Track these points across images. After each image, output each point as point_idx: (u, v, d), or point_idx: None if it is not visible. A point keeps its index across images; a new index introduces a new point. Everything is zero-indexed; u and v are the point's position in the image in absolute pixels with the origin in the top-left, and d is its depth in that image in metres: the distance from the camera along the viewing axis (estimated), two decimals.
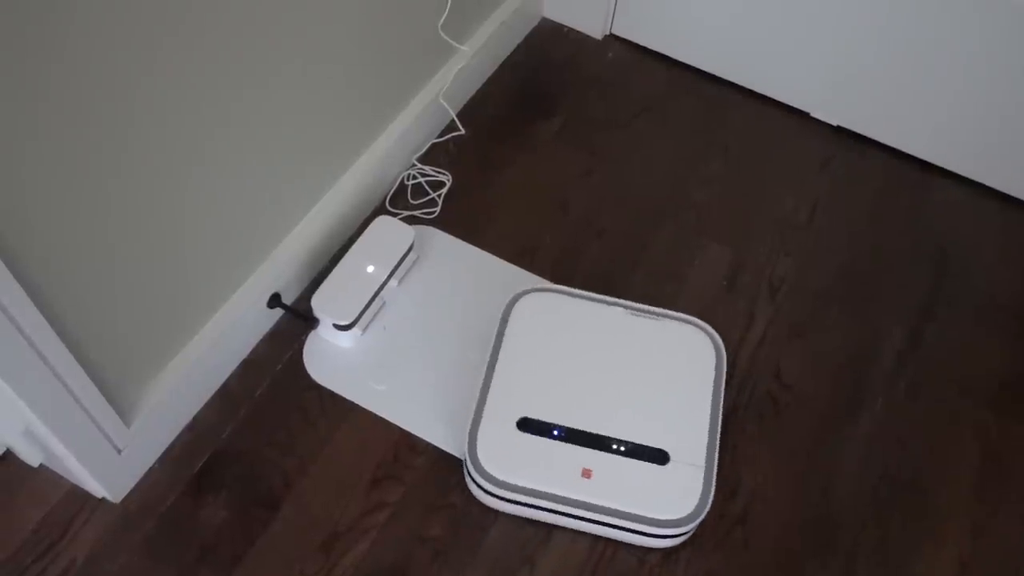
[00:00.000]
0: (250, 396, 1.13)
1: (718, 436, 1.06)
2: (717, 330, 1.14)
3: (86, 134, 0.78)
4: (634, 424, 1.05)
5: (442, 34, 1.29)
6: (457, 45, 1.35)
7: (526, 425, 1.04)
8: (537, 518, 1.05)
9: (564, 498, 1.00)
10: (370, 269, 1.17)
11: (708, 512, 1.01)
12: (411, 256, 1.23)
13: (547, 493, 1.01)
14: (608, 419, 1.05)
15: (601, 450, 1.03)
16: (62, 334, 0.84)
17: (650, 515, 1.00)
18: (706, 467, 1.03)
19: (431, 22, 1.26)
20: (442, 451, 1.10)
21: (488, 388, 1.06)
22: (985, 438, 1.17)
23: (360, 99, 1.19)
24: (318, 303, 1.14)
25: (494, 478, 1.01)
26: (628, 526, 1.01)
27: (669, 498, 1.01)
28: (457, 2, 1.28)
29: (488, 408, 1.05)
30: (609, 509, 1.00)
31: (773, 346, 1.23)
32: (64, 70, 0.73)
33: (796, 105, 1.50)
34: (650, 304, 1.16)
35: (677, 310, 1.16)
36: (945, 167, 1.44)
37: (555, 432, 1.04)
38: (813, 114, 1.49)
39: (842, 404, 1.18)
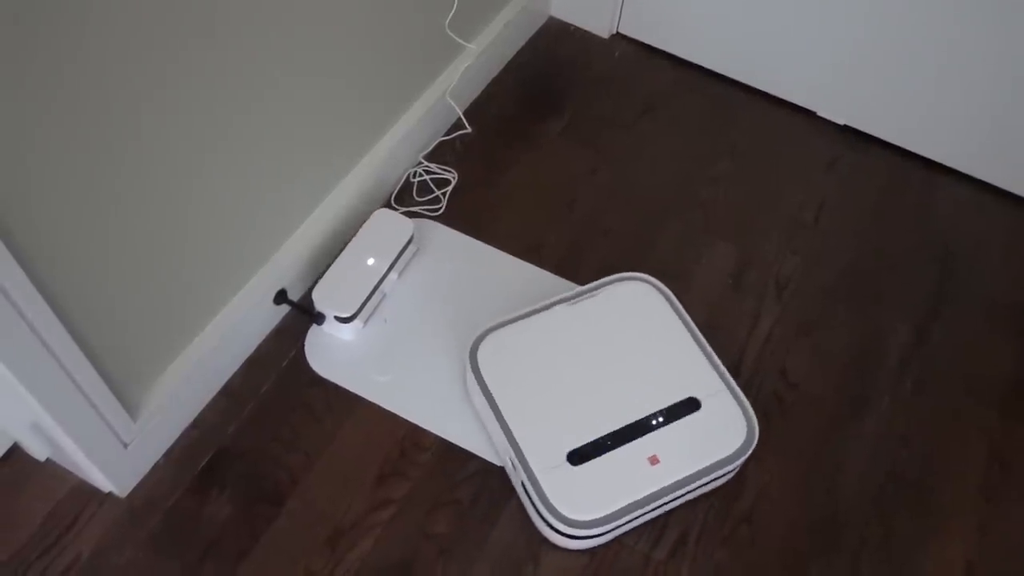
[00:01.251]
0: (255, 392, 1.13)
1: (715, 356, 1.10)
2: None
3: (95, 135, 0.78)
4: (651, 394, 1.06)
5: (449, 32, 1.29)
6: (464, 43, 1.35)
7: (577, 457, 1.01)
8: (629, 530, 1.04)
9: (650, 495, 1.00)
10: (370, 262, 1.17)
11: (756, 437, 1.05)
12: (411, 248, 1.23)
13: (635, 502, 0.99)
14: (628, 404, 1.05)
15: (645, 433, 1.03)
16: (71, 329, 0.84)
17: (722, 456, 1.03)
18: (728, 388, 1.07)
19: (438, 20, 1.26)
20: (447, 447, 1.10)
21: (517, 442, 1.03)
22: (990, 437, 1.16)
23: (366, 97, 1.19)
24: (319, 296, 1.14)
25: (586, 522, 0.98)
26: (707, 480, 1.03)
27: (725, 432, 1.04)
28: (464, 0, 1.29)
29: (533, 461, 1.01)
30: (689, 477, 1.01)
31: (779, 345, 1.23)
32: (76, 74, 0.73)
33: (802, 104, 1.50)
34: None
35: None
36: (950, 166, 1.43)
37: (602, 445, 1.02)
38: (819, 113, 1.49)
39: (848, 403, 1.18)
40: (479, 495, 1.07)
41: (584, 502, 0.99)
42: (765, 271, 1.30)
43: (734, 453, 1.03)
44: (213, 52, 0.87)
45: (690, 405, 1.06)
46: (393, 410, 1.12)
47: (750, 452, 1.04)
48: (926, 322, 1.26)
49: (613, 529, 1.00)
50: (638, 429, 1.04)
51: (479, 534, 1.05)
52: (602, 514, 0.99)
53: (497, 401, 1.05)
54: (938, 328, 1.26)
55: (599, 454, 1.02)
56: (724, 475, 1.05)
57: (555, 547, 1.04)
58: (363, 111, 1.20)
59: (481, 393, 1.06)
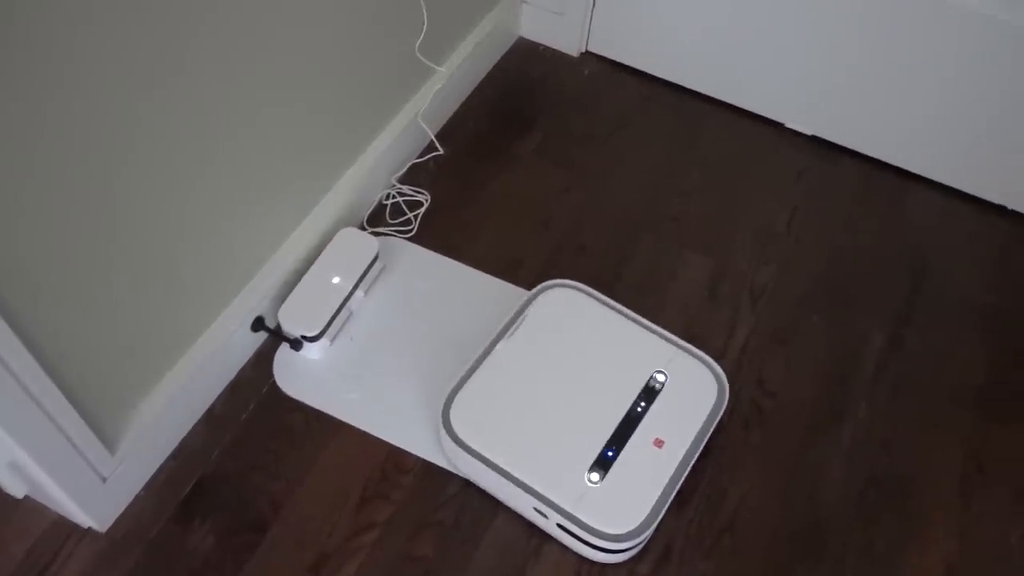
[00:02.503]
0: (236, 419, 1.13)
1: (656, 327, 1.14)
2: (699, 340, 1.15)
3: (66, 165, 0.78)
4: (622, 386, 1.08)
5: (419, 56, 1.30)
6: (435, 66, 1.36)
7: (595, 475, 1.02)
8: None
9: (675, 473, 1.03)
10: (335, 280, 1.17)
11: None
12: (377, 266, 1.23)
13: (666, 485, 1.02)
14: (609, 405, 1.07)
15: (638, 423, 1.05)
16: (44, 364, 0.84)
17: (710, 409, 1.08)
18: (682, 349, 1.12)
19: (408, 44, 1.27)
20: (428, 468, 1.10)
21: (536, 490, 1.01)
22: (967, 440, 1.18)
23: (338, 123, 1.20)
24: (285, 315, 1.14)
25: (638, 527, 0.99)
26: (707, 435, 1.07)
27: (700, 388, 1.09)
28: (434, 24, 1.30)
29: (560, 499, 1.00)
30: (695, 441, 1.05)
31: (756, 354, 1.24)
32: (48, 107, 0.73)
33: (770, 116, 1.52)
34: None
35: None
36: (919, 173, 1.46)
37: (609, 453, 1.03)
38: (788, 124, 1.52)
39: (826, 410, 1.19)
40: (461, 516, 1.07)
41: (625, 512, 1.00)
42: (739, 281, 1.31)
43: (716, 402, 1.09)
44: (183, 85, 0.87)
45: (659, 379, 1.09)
46: (364, 428, 1.12)
47: (728, 396, 1.10)
48: (900, 328, 1.28)
49: (657, 522, 1.01)
50: (630, 423, 1.05)
51: (463, 555, 1.05)
52: (647, 512, 1.00)
53: (495, 462, 1.02)
54: (912, 334, 1.28)
55: (612, 462, 1.02)
56: (716, 427, 1.10)
57: (539, 564, 1.04)
58: (335, 137, 1.21)
59: (477, 461, 1.03)
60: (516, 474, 1.01)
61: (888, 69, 1.35)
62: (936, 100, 1.35)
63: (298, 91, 1.07)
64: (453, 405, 1.07)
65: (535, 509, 1.02)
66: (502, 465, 1.02)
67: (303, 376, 1.17)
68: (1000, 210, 1.43)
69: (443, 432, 1.05)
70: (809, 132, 1.51)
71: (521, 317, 1.14)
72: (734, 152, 1.49)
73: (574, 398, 1.07)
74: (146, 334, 0.99)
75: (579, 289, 1.18)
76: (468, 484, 1.09)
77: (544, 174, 1.43)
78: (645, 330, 1.14)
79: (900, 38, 1.31)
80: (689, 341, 1.15)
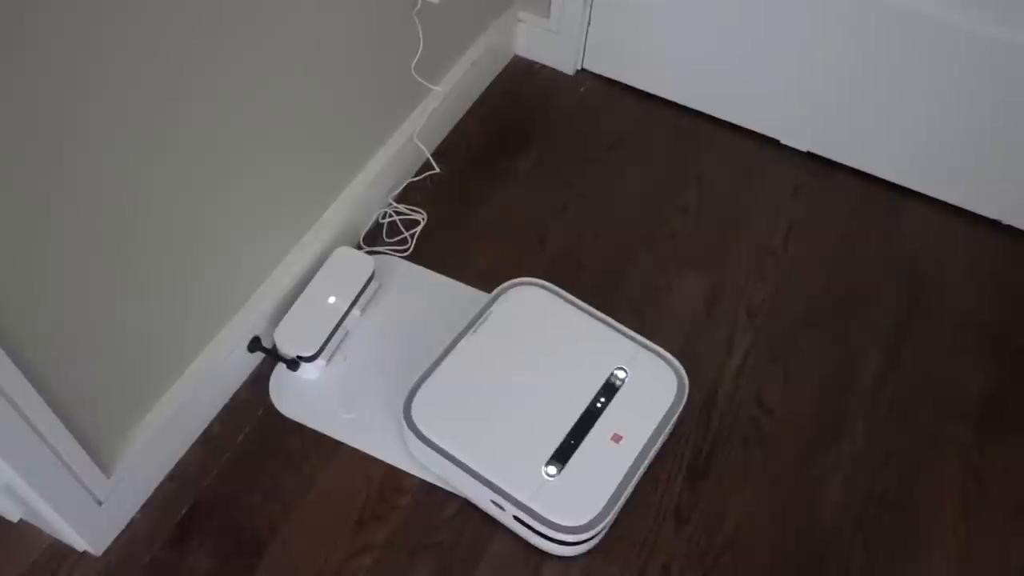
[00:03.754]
0: (232, 441, 1.12)
1: (619, 325, 1.15)
2: (697, 357, 1.14)
3: (61, 188, 0.78)
4: (583, 382, 1.10)
5: (415, 75, 1.31)
6: (431, 86, 1.37)
7: (552, 469, 1.03)
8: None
9: (631, 467, 1.04)
10: (331, 300, 1.17)
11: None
12: (373, 285, 1.23)
13: (622, 479, 1.03)
14: (569, 400, 1.08)
15: (597, 418, 1.06)
16: (38, 385, 0.83)
17: (668, 405, 1.09)
18: (643, 346, 1.13)
19: (404, 64, 1.28)
20: (426, 488, 1.10)
21: (492, 482, 1.02)
22: (967, 457, 1.18)
23: (335, 143, 1.20)
24: (281, 336, 1.14)
25: (593, 519, 1.00)
26: (666, 431, 1.09)
27: (659, 385, 1.11)
28: (430, 44, 1.30)
29: (517, 492, 1.01)
30: (652, 436, 1.06)
31: (754, 372, 1.24)
32: (42, 134, 0.73)
33: (766, 132, 1.53)
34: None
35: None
36: (915, 188, 1.46)
37: (568, 448, 1.04)
38: (783, 141, 1.52)
39: (825, 427, 1.19)
40: (459, 536, 1.07)
41: (581, 504, 1.01)
42: (736, 298, 1.31)
43: (676, 399, 1.10)
44: (180, 106, 0.87)
45: (620, 376, 1.10)
46: (361, 448, 1.12)
47: (687, 393, 1.11)
48: (897, 344, 1.28)
49: (613, 516, 1.03)
50: (590, 418, 1.07)
51: None
52: (602, 505, 1.01)
53: (454, 454, 1.04)
54: (909, 350, 1.28)
55: (570, 456, 1.04)
56: (675, 424, 1.11)
57: None
58: (331, 157, 1.21)
59: (435, 452, 1.04)
60: (474, 467, 1.03)
61: (883, 85, 1.36)
62: (931, 116, 1.36)
63: (295, 112, 1.07)
64: (415, 399, 1.08)
65: (492, 502, 1.03)
66: (460, 458, 1.03)
67: (300, 396, 1.16)
68: (996, 225, 1.43)
69: (404, 426, 1.06)
70: (805, 148, 1.51)
71: (485, 314, 1.15)
72: (730, 169, 1.49)
73: (535, 393, 1.09)
74: (142, 355, 0.99)
75: (543, 287, 1.19)
76: (467, 504, 1.09)
77: (540, 192, 1.43)
78: (608, 327, 1.16)
79: (895, 55, 1.32)
80: (687, 358, 1.15)
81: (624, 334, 1.15)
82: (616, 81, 1.60)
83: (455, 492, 1.09)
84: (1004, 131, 1.32)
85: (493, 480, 1.02)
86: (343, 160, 1.24)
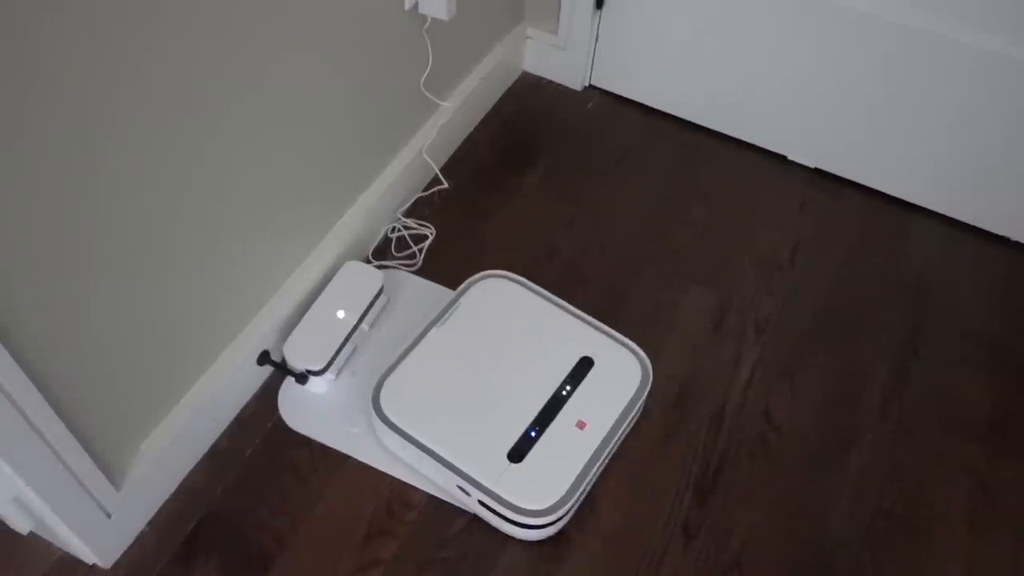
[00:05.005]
0: (241, 455, 1.13)
1: (584, 315, 1.18)
2: (704, 373, 1.15)
3: (72, 203, 0.79)
4: (549, 370, 1.12)
5: (424, 91, 1.32)
6: (439, 102, 1.38)
7: (516, 454, 1.05)
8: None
9: (594, 453, 1.06)
10: (340, 314, 1.18)
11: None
12: (381, 300, 1.24)
13: (585, 465, 1.05)
14: (535, 388, 1.11)
15: (562, 406, 1.09)
16: (52, 400, 0.84)
17: (632, 394, 1.11)
18: (608, 336, 1.16)
19: (413, 80, 1.29)
20: (434, 502, 1.10)
21: (457, 467, 1.05)
22: (975, 471, 1.17)
23: (344, 158, 1.21)
24: (290, 350, 1.15)
25: (556, 503, 1.03)
26: (629, 419, 1.11)
27: (624, 373, 1.13)
28: (439, 60, 1.31)
29: (481, 476, 1.04)
30: (615, 424, 1.08)
31: (761, 387, 1.24)
32: (55, 150, 0.74)
33: (773, 148, 1.53)
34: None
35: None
36: (922, 205, 1.46)
37: (532, 434, 1.07)
38: (790, 157, 1.53)
39: (833, 442, 1.19)
40: (466, 552, 1.07)
41: (544, 488, 1.03)
42: (743, 313, 1.32)
43: (640, 387, 1.12)
44: (193, 121, 0.88)
45: (586, 364, 1.13)
46: (369, 462, 1.12)
47: (651, 381, 1.13)
48: (905, 359, 1.28)
49: (576, 499, 1.05)
50: (555, 405, 1.09)
51: None
52: (564, 490, 1.03)
53: (419, 439, 1.06)
54: (917, 365, 1.27)
55: (534, 442, 1.06)
56: (639, 410, 1.13)
57: None
58: (341, 172, 1.22)
59: (403, 439, 1.07)
60: (440, 452, 1.05)
61: (890, 102, 1.36)
62: (938, 132, 1.36)
63: (305, 127, 1.08)
64: (383, 388, 1.10)
65: (458, 487, 1.05)
66: (427, 444, 1.06)
67: (308, 410, 1.17)
68: (1003, 241, 1.43)
69: (373, 413, 1.09)
70: (811, 164, 1.52)
71: (454, 305, 1.18)
72: (737, 185, 1.49)
73: (502, 382, 1.11)
74: (153, 369, 0.99)
75: (511, 279, 1.22)
76: (474, 519, 1.09)
77: (548, 207, 1.43)
78: (574, 318, 1.18)
79: (903, 71, 1.32)
80: (693, 373, 1.15)
81: (590, 324, 1.18)
82: (623, 97, 1.61)
83: (425, 478, 1.11)
84: (1012, 148, 1.32)
85: (458, 465, 1.04)
86: (352, 175, 1.25)
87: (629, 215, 1.43)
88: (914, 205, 1.47)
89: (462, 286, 1.21)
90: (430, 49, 1.28)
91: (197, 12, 0.83)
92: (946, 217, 1.46)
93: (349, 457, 1.13)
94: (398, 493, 1.10)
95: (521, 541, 1.06)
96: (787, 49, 1.39)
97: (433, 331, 1.15)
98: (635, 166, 1.51)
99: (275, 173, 1.06)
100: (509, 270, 1.33)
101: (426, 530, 1.08)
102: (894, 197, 1.48)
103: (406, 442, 1.06)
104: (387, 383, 1.11)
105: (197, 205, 0.95)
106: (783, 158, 1.53)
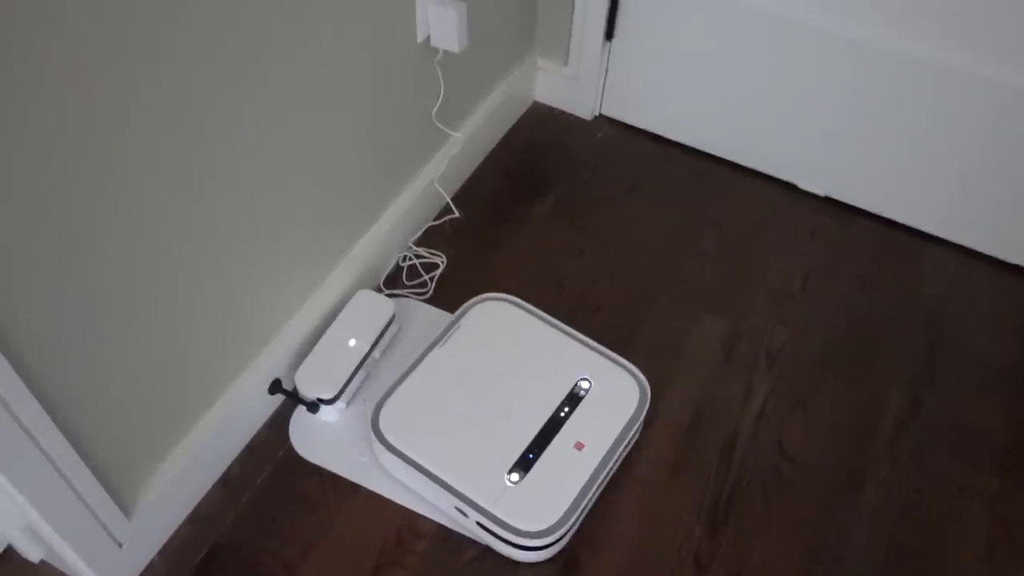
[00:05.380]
0: (252, 484, 1.13)
1: (583, 337, 1.19)
2: (716, 403, 1.14)
3: (87, 230, 0.80)
4: (548, 392, 1.13)
5: (436, 122, 1.33)
6: (451, 132, 1.39)
7: (515, 476, 1.05)
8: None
9: (592, 474, 1.06)
10: (352, 343, 1.18)
11: None
12: (392, 328, 1.24)
13: (584, 486, 1.05)
14: (534, 410, 1.11)
15: (560, 427, 1.10)
16: (63, 428, 0.85)
17: (630, 415, 1.12)
18: (608, 358, 1.16)
19: (425, 110, 1.30)
20: (444, 532, 1.09)
21: (456, 489, 1.05)
22: (991, 503, 1.16)
23: (357, 188, 1.22)
24: (302, 378, 1.15)
25: (553, 525, 1.02)
26: (627, 440, 1.11)
27: (622, 395, 1.13)
28: (450, 91, 1.33)
29: (479, 498, 1.04)
30: (613, 445, 1.09)
31: (774, 417, 1.23)
32: (70, 169, 0.75)
33: (783, 177, 1.54)
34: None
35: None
36: (934, 233, 1.46)
37: (531, 455, 1.07)
38: (801, 185, 1.53)
39: (846, 474, 1.18)
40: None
41: (542, 510, 1.03)
42: (755, 343, 1.31)
43: (637, 409, 1.13)
44: (204, 148, 0.90)
45: (584, 387, 1.13)
46: (380, 492, 1.12)
47: (648, 402, 1.14)
48: (919, 389, 1.27)
49: (575, 521, 1.05)
50: (553, 426, 1.10)
51: None
52: (563, 511, 1.03)
53: (418, 461, 1.07)
54: (931, 395, 1.26)
55: (533, 463, 1.07)
56: (637, 431, 1.14)
57: None
58: (353, 202, 1.23)
59: (401, 461, 1.07)
60: (438, 474, 1.05)
61: (901, 130, 1.37)
62: (950, 161, 1.36)
63: (318, 156, 1.09)
64: (382, 410, 1.11)
65: (456, 508, 1.05)
66: (425, 465, 1.06)
67: (319, 439, 1.17)
68: (1018, 270, 1.42)
69: (372, 435, 1.09)
70: (822, 193, 1.52)
71: (454, 327, 1.18)
72: (748, 213, 1.50)
73: (500, 404, 1.12)
74: (165, 398, 1.00)
75: (511, 302, 1.22)
76: (485, 550, 1.08)
77: (558, 236, 1.44)
78: (573, 340, 1.19)
79: (913, 100, 1.33)
80: (705, 403, 1.15)
81: (589, 346, 1.18)
82: (633, 126, 1.62)
83: (435, 508, 1.11)
84: None
85: (456, 487, 1.05)
86: (364, 204, 1.26)
87: (640, 244, 1.44)
88: (927, 234, 1.47)
89: (461, 308, 1.22)
90: (442, 80, 1.29)
91: (213, 40, 0.84)
92: (959, 246, 1.45)
93: (359, 486, 1.13)
94: (408, 523, 1.10)
95: (533, 572, 1.05)
96: (797, 78, 1.40)
97: (433, 353, 1.16)
98: (645, 195, 1.51)
99: (288, 201, 1.07)
100: (522, 298, 1.33)
101: (436, 560, 1.07)
102: (906, 225, 1.47)
103: (405, 464, 1.07)
104: (386, 405, 1.12)
105: (209, 232, 0.96)
106: (793, 187, 1.53)
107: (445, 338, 1.18)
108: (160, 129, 0.82)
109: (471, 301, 1.22)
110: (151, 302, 0.91)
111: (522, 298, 1.33)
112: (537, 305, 1.33)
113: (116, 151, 0.79)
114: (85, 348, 0.85)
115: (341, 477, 1.13)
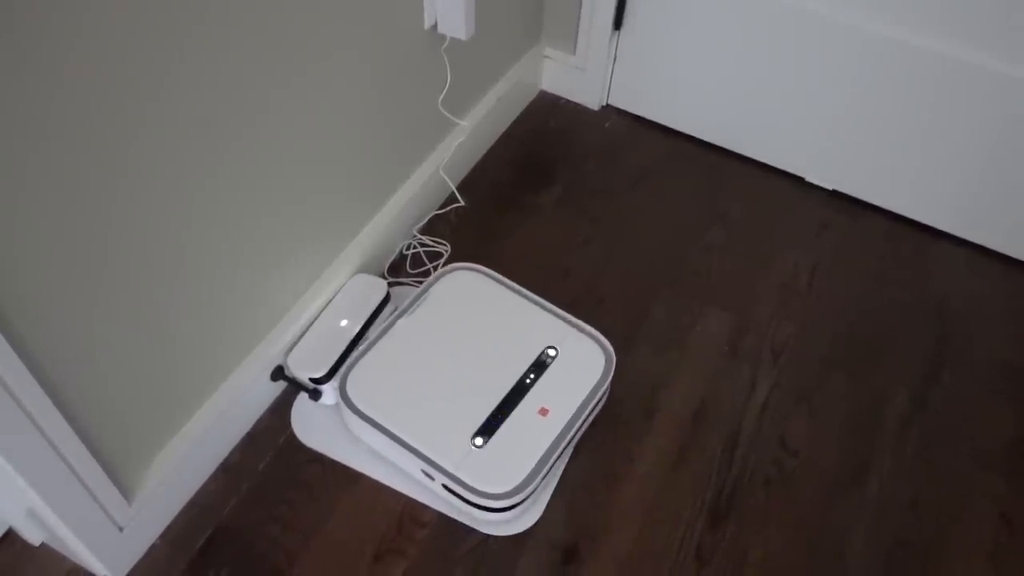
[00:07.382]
0: (253, 470, 1.13)
1: (550, 305, 1.19)
2: (720, 397, 1.14)
3: (89, 218, 0.80)
4: (514, 359, 1.13)
5: (442, 110, 1.32)
6: (457, 120, 1.38)
7: (479, 440, 1.07)
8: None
9: (555, 439, 1.07)
10: (343, 323, 1.19)
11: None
12: (388, 308, 1.24)
13: (546, 451, 1.06)
14: (500, 376, 1.12)
15: (525, 393, 1.10)
16: (65, 412, 0.84)
17: (594, 383, 1.12)
18: (573, 326, 1.17)
19: (432, 98, 1.30)
20: (445, 520, 1.09)
21: (421, 452, 1.06)
22: (996, 500, 1.15)
23: (362, 175, 1.21)
24: (294, 359, 1.15)
25: (515, 487, 1.03)
26: (591, 407, 1.11)
27: (587, 362, 1.14)
28: (457, 79, 1.32)
29: (443, 461, 1.05)
30: (577, 411, 1.09)
31: (778, 411, 1.22)
32: (70, 159, 0.75)
33: (791, 170, 1.53)
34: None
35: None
36: (944, 229, 1.45)
37: (495, 420, 1.08)
38: (808, 179, 1.52)
39: (850, 470, 1.17)
40: (477, 571, 1.06)
41: (505, 473, 1.04)
42: (760, 337, 1.30)
43: (602, 376, 1.13)
44: (211, 132, 0.89)
45: (550, 354, 1.14)
46: (381, 479, 1.12)
47: (613, 371, 1.14)
48: (925, 385, 1.26)
49: (538, 484, 1.05)
50: (518, 392, 1.11)
51: None
52: (525, 474, 1.04)
53: (385, 425, 1.08)
54: (937, 392, 1.26)
55: (497, 428, 1.08)
56: (601, 398, 1.14)
57: None
58: (358, 189, 1.22)
59: (369, 426, 1.08)
60: (404, 438, 1.07)
61: (912, 125, 1.36)
62: (961, 156, 1.35)
63: (323, 145, 1.09)
64: (351, 375, 1.12)
65: (423, 471, 1.07)
66: (392, 430, 1.07)
67: (321, 426, 1.16)
68: None
69: (340, 400, 1.10)
70: (830, 187, 1.51)
71: (423, 296, 1.19)
72: (755, 206, 1.49)
73: (467, 370, 1.12)
74: (168, 384, 1.00)
75: (479, 271, 1.23)
76: (485, 539, 1.08)
77: (564, 226, 1.43)
78: (541, 309, 1.20)
79: (923, 94, 1.31)
80: (709, 396, 1.14)
81: (556, 314, 1.19)
82: (641, 117, 1.61)
83: (436, 496, 1.11)
84: None
85: (422, 450, 1.06)
86: (370, 191, 1.26)
87: (646, 236, 1.43)
88: (936, 229, 1.46)
89: (431, 278, 1.23)
90: (448, 68, 1.28)
91: (221, 30, 0.84)
92: (968, 242, 1.44)
93: (361, 474, 1.13)
94: (409, 511, 1.10)
95: (534, 563, 1.05)
96: (805, 70, 1.38)
97: (400, 321, 1.17)
98: (652, 186, 1.51)
99: (292, 189, 1.06)
100: (526, 287, 1.32)
101: (437, 548, 1.07)
102: (914, 221, 1.46)
103: (372, 428, 1.08)
104: (354, 371, 1.12)
105: (213, 220, 0.95)
106: (801, 180, 1.52)
107: (413, 306, 1.19)
108: (167, 116, 0.82)
109: (440, 270, 1.23)
110: (154, 288, 0.91)
111: (526, 287, 1.32)
112: (542, 295, 1.33)
113: (121, 137, 0.78)
114: (88, 334, 0.85)
115: (342, 464, 1.13)
